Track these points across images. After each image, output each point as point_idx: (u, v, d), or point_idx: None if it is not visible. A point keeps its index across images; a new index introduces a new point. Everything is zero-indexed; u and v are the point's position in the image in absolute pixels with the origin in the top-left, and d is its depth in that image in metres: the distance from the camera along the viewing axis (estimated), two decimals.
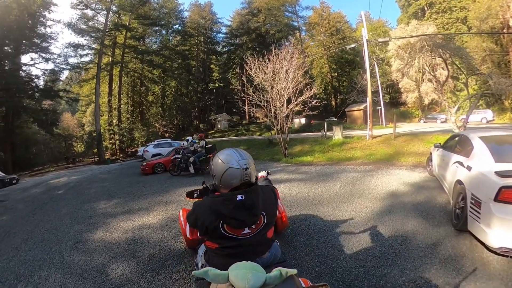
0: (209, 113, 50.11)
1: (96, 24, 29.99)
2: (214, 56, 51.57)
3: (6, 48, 23.48)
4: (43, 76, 29.82)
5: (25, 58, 28.35)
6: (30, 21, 24.75)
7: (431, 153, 6.35)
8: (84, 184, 11.20)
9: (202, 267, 1.62)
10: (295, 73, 11.59)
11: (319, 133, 18.18)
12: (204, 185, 2.57)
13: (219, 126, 46.11)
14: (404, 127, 20.00)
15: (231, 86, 50.29)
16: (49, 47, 28.11)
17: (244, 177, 1.46)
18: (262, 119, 13.19)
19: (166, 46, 42.15)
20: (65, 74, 40.53)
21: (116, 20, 31.77)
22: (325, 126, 17.43)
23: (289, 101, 11.77)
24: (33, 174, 22.13)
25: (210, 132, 41.52)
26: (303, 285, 1.15)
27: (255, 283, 0.96)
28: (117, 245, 4.18)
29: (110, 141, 33.82)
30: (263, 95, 11.70)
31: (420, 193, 5.22)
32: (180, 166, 10.20)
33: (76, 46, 29.49)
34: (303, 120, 31.54)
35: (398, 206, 4.60)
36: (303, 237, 3.73)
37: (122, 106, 35.68)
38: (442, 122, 25.08)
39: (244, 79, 12.36)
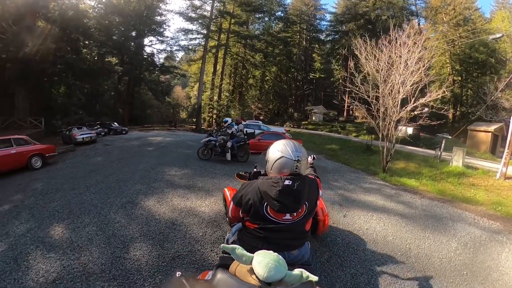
0: (305, 103, 48.13)
1: (203, 12, 32.89)
2: (316, 45, 48.15)
3: (132, 33, 30.04)
4: (158, 54, 36.22)
5: (145, 41, 34.43)
6: (145, 12, 30.70)
7: None
8: (171, 147, 11.99)
9: (232, 243, 1.56)
10: (417, 65, 8.72)
11: (430, 151, 14.17)
12: (255, 169, 2.54)
13: (313, 118, 43.61)
14: None
15: (332, 79, 47.95)
16: (163, 32, 34.06)
17: (294, 168, 1.49)
18: (362, 118, 10.79)
19: (268, 33, 42.10)
20: (179, 55, 47.39)
21: (221, 8, 33.84)
22: (442, 145, 13.38)
23: (403, 102, 9.10)
24: (141, 129, 26.51)
25: (303, 122, 39.68)
26: None
27: (274, 275, 1.00)
28: (156, 224, 3.86)
29: (209, 114, 36.75)
30: (371, 89, 9.38)
31: None
32: (215, 150, 8.82)
33: (186, 31, 33.61)
34: (410, 130, 25.50)
35: None
36: None
37: (223, 85, 37.88)
38: None
39: (350, 68, 10.26)
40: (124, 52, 27.96)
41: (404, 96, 8.81)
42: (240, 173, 3.11)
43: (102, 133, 17.79)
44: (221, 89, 37.11)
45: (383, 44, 9.27)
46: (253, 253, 1.10)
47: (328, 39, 47.13)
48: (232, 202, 1.63)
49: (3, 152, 7.47)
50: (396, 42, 9.08)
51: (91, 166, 7.96)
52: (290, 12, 44.63)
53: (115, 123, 21.90)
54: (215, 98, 35.83)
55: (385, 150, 9.25)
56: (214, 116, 35.87)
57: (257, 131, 14.75)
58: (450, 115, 34.01)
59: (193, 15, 32.02)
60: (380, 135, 9.48)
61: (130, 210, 4.34)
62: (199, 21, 32.45)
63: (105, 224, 3.73)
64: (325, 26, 46.99)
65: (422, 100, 8.73)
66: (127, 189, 5.43)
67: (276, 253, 1.10)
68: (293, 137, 13.48)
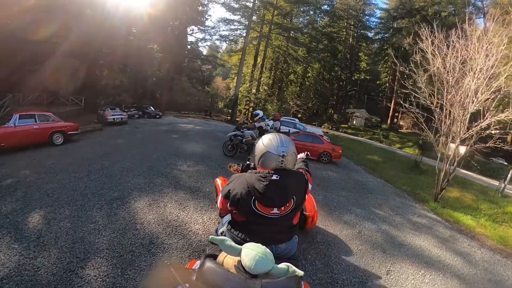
0: (347, 105, 45.13)
1: (246, 3, 31.81)
2: (364, 43, 44.14)
3: (176, 22, 30.40)
4: (198, 43, 36.52)
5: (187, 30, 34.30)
6: (188, 1, 30.31)
7: None
8: (197, 137, 11.39)
9: (221, 234, 1.62)
10: (497, 69, 6.71)
11: (486, 179, 11.53)
12: (248, 162, 2.54)
13: (354, 122, 41.03)
14: None
15: (377, 81, 44.69)
16: (205, 21, 33.62)
17: (279, 163, 1.47)
18: (407, 129, 8.91)
19: (312, 27, 39.79)
20: (223, 47, 47.19)
21: None
22: (509, 176, 10.60)
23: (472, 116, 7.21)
24: (177, 115, 27.11)
25: (343, 125, 37.49)
26: None
27: (261, 267, 1.02)
28: (132, 236, 3.11)
29: (245, 107, 36.36)
30: (436, 94, 7.46)
31: None
32: (241, 147, 7.62)
33: (227, 21, 33.18)
34: (462, 149, 21.90)
35: None
36: None
37: (263, 78, 37.07)
38: None
39: (404, 67, 8.49)
40: (165, 40, 28.37)
41: (477, 108, 6.94)
42: (232, 164, 3.08)
43: (136, 116, 18.17)
44: (260, 82, 36.37)
45: (454, 40, 7.41)
46: (241, 246, 1.11)
47: (376, 37, 43.07)
48: (220, 195, 1.60)
49: (26, 127, 7.60)
50: (470, 38, 7.18)
51: (107, 148, 7.74)
52: (337, 6, 41.45)
53: (151, 107, 22.23)
54: (253, 91, 35.28)
55: (442, 174, 7.34)
56: (250, 109, 35.33)
57: (291, 130, 13.55)
58: (509, 138, 28.86)
59: (235, 5, 31.32)
60: (439, 154, 7.63)
61: (115, 210, 3.70)
62: (241, 11, 31.70)
63: (80, 222, 3.32)
64: (374, 23, 42.86)
65: (502, 116, 6.78)
66: (126, 181, 4.85)
67: (264, 246, 1.11)
68: (331, 141, 11.96)
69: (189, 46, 34.46)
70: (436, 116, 7.44)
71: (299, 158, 2.26)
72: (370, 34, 43.70)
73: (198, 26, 32.84)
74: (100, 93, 23.85)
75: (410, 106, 7.82)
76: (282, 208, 1.45)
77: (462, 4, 30.26)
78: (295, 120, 18.11)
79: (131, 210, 3.71)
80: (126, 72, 26.95)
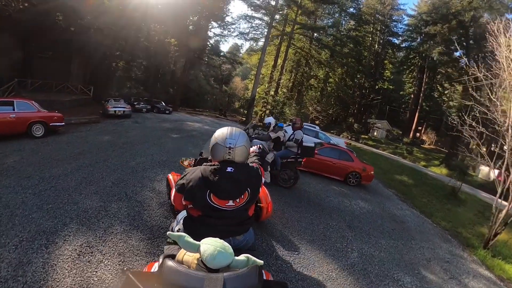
0: (368, 115, 42.88)
1: (269, 1, 30.29)
2: (390, 50, 41.61)
3: (195, 17, 29.48)
4: (215, 39, 34.96)
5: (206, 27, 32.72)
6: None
7: None
8: (200, 140, 9.94)
9: (177, 231, 1.61)
10: None
11: None
12: (201, 156, 2.47)
13: (375, 133, 38.82)
14: None
15: (401, 92, 42.48)
16: (225, 17, 32.09)
17: (227, 155, 1.47)
18: (429, 144, 7.10)
19: (337, 29, 37.76)
20: (245, 47, 45.97)
21: None
22: None
23: None
24: (190, 112, 26.33)
25: (363, 136, 35.33)
26: (265, 278, 1.18)
27: (221, 261, 1.02)
28: None
29: (262, 109, 34.42)
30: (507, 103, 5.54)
31: None
32: None
33: (248, 18, 31.63)
34: (494, 173, 18.81)
35: None
36: None
37: (282, 80, 35.42)
38: None
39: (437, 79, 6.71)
40: (184, 34, 27.42)
41: None
42: (185, 158, 3.00)
43: (144, 110, 17.09)
44: (279, 84, 34.71)
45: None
46: (199, 241, 1.09)
47: (403, 45, 40.46)
48: (174, 189, 1.54)
49: (1, 115, 6.60)
50: None
51: (87, 146, 6.57)
52: (363, 10, 39.23)
53: (162, 102, 21.20)
54: (272, 92, 33.61)
55: (500, 215, 5.49)
56: (267, 111, 33.86)
57: (312, 140, 10.90)
58: None
59: (257, 1, 29.83)
60: (500, 189, 5.81)
61: (31, 254, 2.39)
62: (263, 10, 30.20)
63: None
64: (402, 30, 40.12)
65: None
66: (74, 201, 3.51)
67: (222, 240, 1.10)
68: (356, 155, 9.90)
69: (208, 43, 33.46)
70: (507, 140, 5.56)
71: (252, 152, 2.24)
72: (396, 41, 41.24)
73: (218, 22, 31.62)
74: (114, 84, 23.33)
75: (472, 123, 5.98)
76: (237, 200, 1.46)
77: (506, 8, 27.14)
78: (315, 128, 16.00)
79: (50, 260, 2.33)
80: (141, 65, 26.32)
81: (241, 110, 38.57)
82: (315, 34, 35.76)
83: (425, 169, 19.93)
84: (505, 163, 5.64)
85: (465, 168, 11.52)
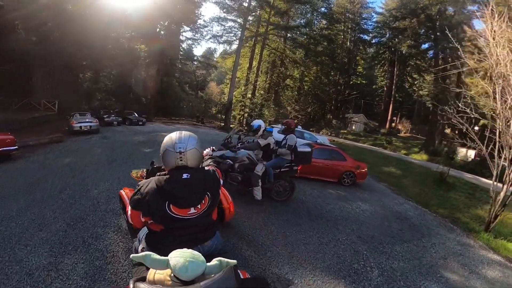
0: (344, 110, 43.59)
1: (242, 3, 29.87)
2: (361, 47, 43.37)
3: (166, 22, 28.12)
4: (190, 44, 33.93)
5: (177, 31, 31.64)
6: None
7: None
8: None
9: (142, 251, 1.52)
10: None
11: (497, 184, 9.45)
12: (152, 166, 2.30)
13: (353, 127, 39.75)
14: None
15: (373, 86, 44.17)
16: (197, 21, 30.84)
17: (179, 160, 1.42)
18: (405, 132, 7.04)
19: (311, 28, 38.22)
20: (219, 51, 44.63)
21: None
22: None
23: None
24: (166, 121, 24.86)
25: (342, 131, 35.92)
26: (242, 277, 1.15)
27: (194, 271, 0.97)
28: None
29: (240, 112, 34.03)
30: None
31: None
32: (232, 177, 4.68)
33: (221, 19, 30.91)
34: (471, 154, 19.71)
35: None
36: None
37: (258, 82, 35.06)
38: None
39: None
40: (154, 40, 26.23)
41: None
42: (136, 171, 2.67)
43: (114, 122, 15.86)
44: (256, 86, 34.42)
45: None
46: (167, 256, 1.03)
47: (373, 41, 42.44)
48: (129, 207, 1.44)
49: None
50: None
51: (40, 174, 5.51)
52: (334, 9, 40.69)
53: (135, 113, 19.94)
54: (249, 95, 33.21)
55: (500, 198, 5.44)
56: (245, 114, 33.32)
57: (299, 141, 10.27)
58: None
59: (230, 3, 29.45)
60: (495, 172, 5.70)
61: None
62: (235, 12, 29.84)
63: None
64: (371, 27, 42.15)
65: None
66: (17, 258, 2.61)
67: (190, 250, 1.06)
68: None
69: (181, 47, 32.51)
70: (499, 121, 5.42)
71: (206, 155, 2.15)
72: (367, 38, 43.05)
73: (190, 26, 30.72)
74: (83, 97, 21.63)
75: (465, 109, 5.76)
76: (199, 206, 1.41)
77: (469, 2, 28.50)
78: (298, 127, 15.64)
79: None
80: (111, 74, 24.77)
81: (219, 115, 37.74)
82: (289, 34, 36.02)
83: (407, 157, 20.44)
84: (497, 146, 5.52)
85: (451, 153, 11.61)
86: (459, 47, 6.72)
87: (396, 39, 36.15)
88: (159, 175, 1.41)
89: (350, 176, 7.26)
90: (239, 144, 5.14)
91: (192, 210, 1.38)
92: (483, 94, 6.15)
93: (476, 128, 8.76)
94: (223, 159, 4.74)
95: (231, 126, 29.71)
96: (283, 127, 5.08)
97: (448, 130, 29.37)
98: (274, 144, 4.83)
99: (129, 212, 1.46)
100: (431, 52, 32.54)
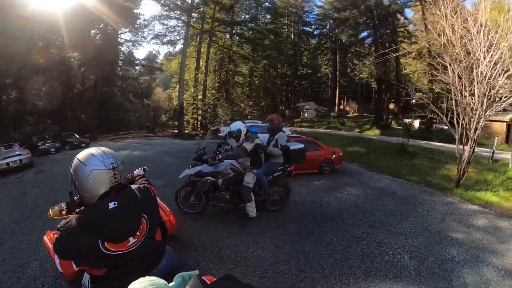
0: (295, 100, 45.69)
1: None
2: (305, 38, 46.35)
3: (101, 25, 25.24)
4: (126, 45, 31.15)
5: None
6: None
7: None
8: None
9: None
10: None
11: (452, 146, 10.99)
12: (73, 198, 1.75)
13: (306, 115, 41.69)
14: None
15: (318, 74, 46.46)
16: (136, 20, 28.46)
17: (113, 178, 1.20)
18: (353, 113, 7.65)
19: (256, 23, 38.95)
20: (162, 52, 41.68)
21: None
22: (495, 143, 10.54)
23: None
24: (114, 138, 22.36)
25: (296, 120, 37.28)
26: (208, 283, 1.02)
27: None
28: None
29: (193, 116, 32.79)
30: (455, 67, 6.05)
31: None
32: (220, 197, 3.99)
33: (163, 17, 29.41)
34: (417, 123, 22.29)
35: None
36: None
37: (208, 82, 34.16)
38: None
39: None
40: (89, 46, 23.24)
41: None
42: (53, 208, 1.94)
43: (52, 150, 13.33)
44: (206, 86, 33.50)
45: None
46: None
47: (315, 32, 45.54)
48: (56, 257, 1.32)
49: None
50: None
51: None
52: (278, 4, 42.42)
53: (75, 134, 17.36)
54: (199, 96, 32.10)
55: (465, 157, 6.35)
56: (199, 117, 32.08)
57: (261, 136, 9.87)
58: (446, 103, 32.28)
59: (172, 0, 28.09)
60: (458, 137, 6.54)
61: None
62: (178, 10, 28.54)
63: None
64: (313, 19, 45.19)
65: None
66: None
67: (147, 276, 0.93)
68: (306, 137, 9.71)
69: (120, 51, 29.67)
70: (455, 91, 6.09)
71: (137, 176, 1.94)
72: (310, 30, 45.86)
73: (129, 27, 28.07)
74: (10, 123, 18.10)
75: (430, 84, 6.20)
76: (138, 233, 1.21)
77: None
78: (258, 122, 15.35)
79: None
80: (41, 91, 21.21)
81: (171, 122, 35.83)
82: (235, 30, 35.93)
83: (362, 134, 22.00)
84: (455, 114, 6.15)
85: (408, 125, 12.65)
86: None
87: (337, 30, 38.74)
88: (78, 211, 1.16)
89: (328, 163, 7.40)
90: (218, 154, 4.15)
91: (132, 240, 1.20)
92: (417, 72, 6.91)
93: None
94: (200, 177, 3.91)
95: (185, 132, 28.24)
96: (268, 125, 4.43)
97: (392, 105, 32.55)
98: (262, 144, 4.06)
99: (58, 264, 1.31)
100: (369, 39, 35.70)
